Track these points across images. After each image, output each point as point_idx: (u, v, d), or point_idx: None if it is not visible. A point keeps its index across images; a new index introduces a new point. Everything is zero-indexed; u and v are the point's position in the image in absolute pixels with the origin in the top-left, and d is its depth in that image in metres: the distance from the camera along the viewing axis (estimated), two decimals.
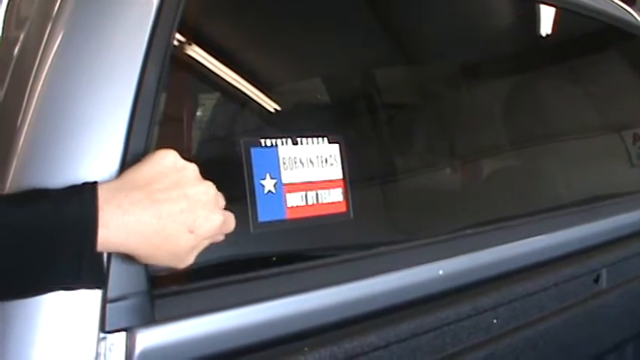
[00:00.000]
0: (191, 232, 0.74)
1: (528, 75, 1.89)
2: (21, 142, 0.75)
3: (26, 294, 0.71)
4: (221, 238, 0.80)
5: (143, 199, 0.71)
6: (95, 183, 0.71)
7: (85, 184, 0.71)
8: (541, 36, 1.86)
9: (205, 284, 0.85)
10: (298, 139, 0.99)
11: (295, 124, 1.17)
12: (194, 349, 0.81)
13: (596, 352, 1.52)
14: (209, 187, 0.77)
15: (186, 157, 0.78)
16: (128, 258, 0.75)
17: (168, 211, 0.72)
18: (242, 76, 1.17)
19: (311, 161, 1.00)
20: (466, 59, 1.71)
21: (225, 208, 0.79)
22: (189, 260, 0.76)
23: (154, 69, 0.83)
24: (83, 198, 0.68)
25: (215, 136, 1.26)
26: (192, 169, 0.77)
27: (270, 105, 1.22)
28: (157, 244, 0.72)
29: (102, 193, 0.69)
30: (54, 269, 0.68)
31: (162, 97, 0.90)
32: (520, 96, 1.82)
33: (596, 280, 1.48)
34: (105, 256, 0.73)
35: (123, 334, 0.76)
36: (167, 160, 0.75)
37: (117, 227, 0.69)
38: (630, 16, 2.06)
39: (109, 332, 0.75)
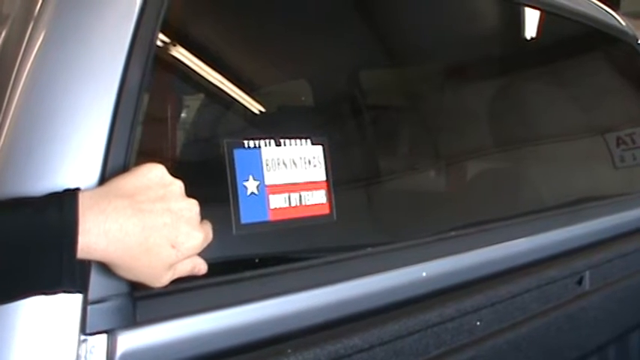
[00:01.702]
0: (173, 247, 0.74)
1: (512, 78, 1.89)
2: (2, 139, 0.74)
3: (6, 300, 0.70)
4: (202, 267, 0.80)
5: (127, 208, 0.71)
6: (77, 189, 0.71)
7: (66, 190, 0.71)
8: (525, 39, 1.86)
9: (187, 286, 0.84)
10: (281, 141, 0.98)
11: (279, 126, 1.17)
12: (176, 351, 0.81)
13: (579, 354, 1.53)
14: (193, 205, 0.77)
15: (169, 157, 0.77)
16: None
17: (151, 223, 0.72)
18: (225, 77, 1.17)
19: (294, 163, 0.99)
20: (449, 62, 1.72)
21: (206, 211, 0.78)
22: (165, 280, 0.76)
23: (136, 69, 0.83)
24: (63, 204, 0.68)
25: (198, 137, 1.26)
26: (178, 185, 0.77)
27: (254, 106, 1.21)
28: (137, 256, 0.72)
29: (84, 200, 0.69)
30: (33, 275, 0.67)
31: (145, 97, 0.90)
32: (504, 99, 1.82)
33: (580, 282, 1.48)
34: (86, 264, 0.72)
35: (104, 336, 0.75)
36: (154, 173, 0.75)
37: (98, 234, 0.68)
38: (614, 19, 2.07)
39: (90, 334, 0.74)
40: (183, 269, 0.77)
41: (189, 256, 0.76)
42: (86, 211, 0.68)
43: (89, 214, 0.68)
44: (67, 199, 0.69)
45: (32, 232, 0.66)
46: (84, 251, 0.68)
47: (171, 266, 0.75)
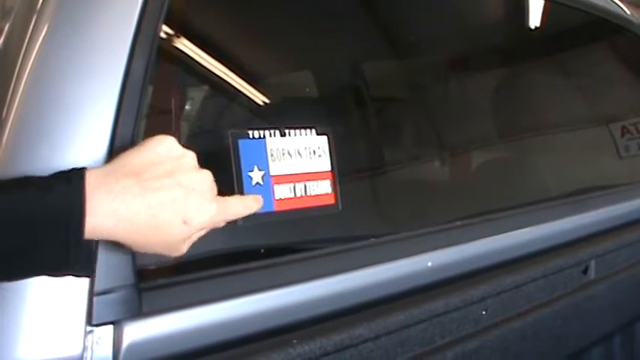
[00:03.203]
0: (185, 222, 0.73)
1: (517, 68, 1.89)
2: (6, 133, 0.74)
3: (12, 277, 0.69)
4: (221, 224, 0.79)
5: (134, 187, 0.70)
6: (84, 168, 0.70)
7: (73, 169, 0.70)
8: (530, 28, 1.86)
9: (193, 277, 0.85)
10: (286, 131, 0.98)
11: (283, 116, 1.17)
12: (182, 342, 0.81)
13: (584, 343, 1.53)
14: (205, 176, 0.76)
15: None
16: (115, 250, 0.74)
17: (159, 200, 0.71)
18: (230, 68, 1.17)
19: (299, 153, 0.99)
20: (454, 52, 1.71)
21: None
22: (182, 249, 0.75)
23: (140, 60, 0.83)
24: (70, 183, 0.67)
25: (202, 128, 1.26)
26: (190, 156, 0.76)
27: (258, 97, 1.21)
28: (147, 234, 0.71)
29: (90, 179, 0.68)
30: (40, 255, 0.67)
31: (150, 88, 0.90)
32: (508, 89, 1.82)
33: (585, 272, 1.48)
34: (94, 245, 0.72)
35: (110, 327, 0.76)
36: (163, 146, 0.74)
37: (106, 214, 0.68)
38: (620, 9, 2.06)
39: (96, 325, 0.75)
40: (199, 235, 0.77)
41: (203, 229, 0.76)
42: (94, 190, 0.67)
43: (97, 194, 0.68)
44: (74, 177, 0.68)
45: (39, 210, 0.66)
46: (91, 231, 0.67)
47: (186, 240, 0.75)
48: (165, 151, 0.74)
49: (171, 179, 0.73)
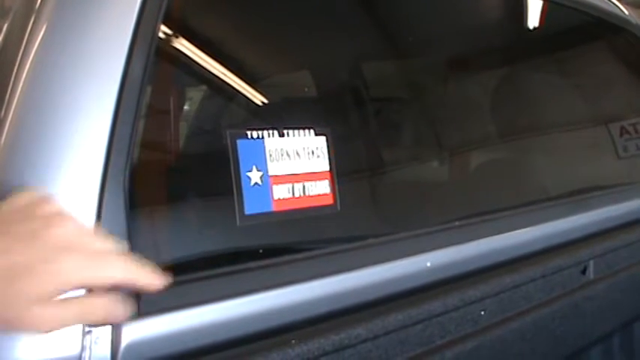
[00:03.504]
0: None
1: (515, 68, 1.89)
2: (4, 134, 0.74)
3: None
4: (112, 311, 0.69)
5: None
6: None
7: None
8: (529, 29, 1.86)
9: (192, 277, 0.85)
10: (285, 131, 0.98)
11: (282, 116, 1.17)
12: (180, 342, 0.81)
13: (583, 343, 1.53)
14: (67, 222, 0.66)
15: (172, 149, 0.77)
16: None
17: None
18: (228, 69, 1.17)
19: (298, 153, 0.99)
20: (452, 52, 1.71)
21: (210, 202, 0.77)
22: (28, 320, 0.63)
23: (139, 60, 0.83)
24: None
25: (201, 129, 1.26)
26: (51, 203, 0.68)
27: (257, 97, 1.21)
28: None
29: None
30: None
31: (148, 88, 0.90)
32: (507, 88, 1.82)
33: (584, 272, 1.48)
34: None
35: (108, 327, 0.75)
36: (21, 197, 0.68)
37: None
38: (618, 9, 2.06)
39: (95, 325, 0.74)
40: (65, 314, 0.65)
41: (60, 289, 0.65)
42: None
43: None
44: None
45: None
46: None
47: (33, 301, 0.63)
48: (22, 200, 0.68)
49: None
